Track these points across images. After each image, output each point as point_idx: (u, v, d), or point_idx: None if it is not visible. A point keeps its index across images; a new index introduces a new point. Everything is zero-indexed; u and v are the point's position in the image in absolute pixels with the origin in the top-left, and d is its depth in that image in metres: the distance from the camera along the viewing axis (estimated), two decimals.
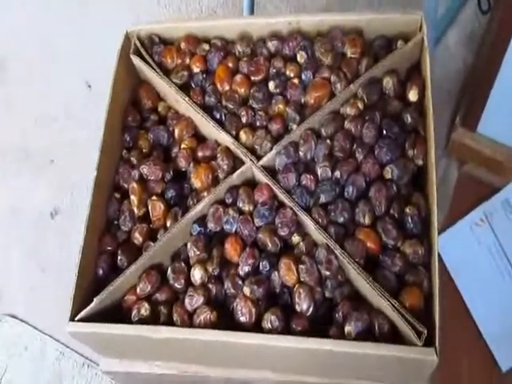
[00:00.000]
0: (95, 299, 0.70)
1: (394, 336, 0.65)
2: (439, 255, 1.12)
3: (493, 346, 1.08)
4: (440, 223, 1.15)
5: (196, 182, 0.78)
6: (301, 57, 0.83)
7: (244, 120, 0.82)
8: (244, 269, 0.71)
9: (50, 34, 1.50)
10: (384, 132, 0.75)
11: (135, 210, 0.79)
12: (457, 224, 1.15)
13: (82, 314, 0.70)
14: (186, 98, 0.82)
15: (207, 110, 0.82)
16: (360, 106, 0.77)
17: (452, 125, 1.17)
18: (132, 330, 0.68)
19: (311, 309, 0.67)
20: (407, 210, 0.70)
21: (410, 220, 0.70)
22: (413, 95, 0.78)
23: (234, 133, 0.80)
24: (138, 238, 0.77)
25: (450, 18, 1.32)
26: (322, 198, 0.72)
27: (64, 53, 1.46)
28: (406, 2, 1.31)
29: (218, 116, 0.83)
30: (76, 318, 0.70)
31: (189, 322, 0.70)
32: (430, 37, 0.85)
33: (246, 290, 0.69)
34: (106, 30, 1.42)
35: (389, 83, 0.79)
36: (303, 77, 0.82)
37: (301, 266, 0.69)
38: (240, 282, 0.70)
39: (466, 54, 1.28)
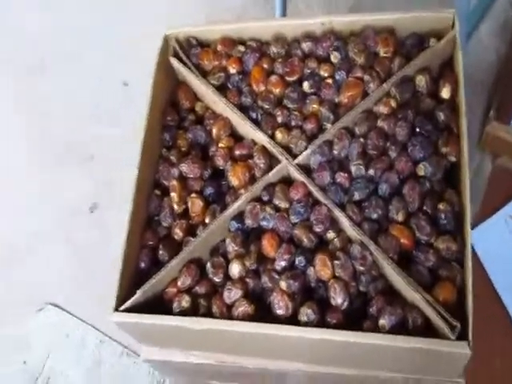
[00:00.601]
0: (138, 291, 0.74)
1: (427, 330, 0.67)
2: (473, 249, 1.13)
3: None
4: (474, 217, 1.16)
5: (233, 180, 0.81)
6: (334, 57, 0.85)
7: (279, 120, 0.84)
8: (280, 264, 0.73)
9: (88, 34, 1.54)
10: (417, 130, 0.77)
11: (175, 206, 0.82)
12: (491, 217, 1.15)
13: (127, 304, 0.73)
14: (223, 99, 0.85)
15: (243, 110, 0.85)
16: (393, 104, 0.79)
17: (485, 118, 1.16)
18: (173, 321, 0.71)
19: (346, 303, 0.70)
20: (440, 206, 0.71)
21: (443, 216, 0.71)
22: (445, 93, 0.79)
23: (269, 132, 0.83)
24: (178, 233, 0.80)
25: (482, 10, 1.30)
26: (356, 196, 0.74)
27: (101, 51, 1.51)
28: None
29: (254, 116, 0.85)
30: (120, 309, 0.73)
31: (227, 314, 0.73)
32: (462, 31, 0.85)
33: (283, 284, 0.71)
34: (143, 30, 1.46)
35: (421, 81, 0.80)
36: (337, 77, 0.84)
37: (336, 262, 0.71)
38: (276, 277, 0.73)
39: (499, 44, 1.27)
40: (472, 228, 1.14)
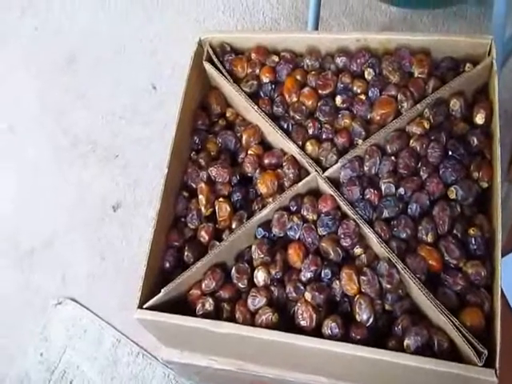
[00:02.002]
0: (163, 290, 0.74)
1: (452, 354, 0.67)
2: None
3: None
4: (501, 247, 1.15)
5: (262, 188, 0.82)
6: (368, 74, 0.86)
7: (310, 131, 0.85)
8: (306, 275, 0.74)
9: (120, 36, 1.55)
10: (449, 153, 0.77)
11: (203, 209, 0.82)
12: None
13: (150, 302, 0.74)
14: (255, 107, 0.86)
15: (275, 119, 0.86)
16: (426, 125, 0.79)
17: None
18: (196, 323, 0.72)
19: (371, 319, 0.70)
20: (471, 231, 0.72)
21: (473, 241, 0.72)
22: (480, 118, 0.80)
23: (300, 143, 0.83)
24: (204, 236, 0.81)
25: None
26: (385, 213, 0.75)
27: (132, 54, 1.52)
28: (471, 21, 1.31)
29: (285, 126, 0.86)
30: (144, 306, 0.73)
31: (251, 320, 0.73)
32: (498, 59, 0.86)
33: (308, 296, 0.71)
34: (172, 35, 1.48)
35: (456, 105, 0.81)
36: (370, 93, 0.84)
37: (362, 278, 0.71)
38: (302, 287, 0.73)
39: None
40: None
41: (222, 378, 0.85)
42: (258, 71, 0.91)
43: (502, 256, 1.12)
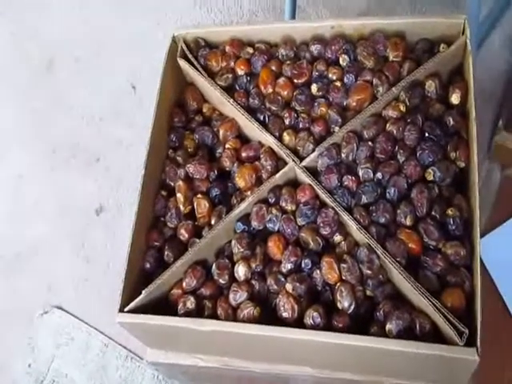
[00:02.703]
0: (143, 292, 0.73)
1: (434, 336, 0.66)
2: (480, 259, 1.12)
3: None
4: (482, 226, 1.15)
5: (240, 182, 0.81)
6: (343, 60, 0.85)
7: (287, 122, 0.84)
8: (286, 266, 0.73)
9: (95, 37, 1.54)
10: (426, 134, 0.76)
11: (181, 207, 0.81)
12: (499, 227, 1.14)
13: (131, 305, 0.73)
14: (231, 100, 0.85)
15: (251, 111, 0.85)
16: (402, 108, 0.78)
17: (494, 127, 1.16)
18: (178, 322, 0.71)
19: (352, 307, 0.69)
20: (449, 211, 0.71)
21: (451, 222, 0.71)
22: (455, 98, 0.79)
23: (277, 134, 0.82)
24: (183, 234, 0.80)
25: (493, 20, 1.31)
26: (364, 199, 0.74)
27: (110, 55, 1.51)
28: (448, 2, 1.31)
29: (261, 118, 0.85)
30: (125, 309, 0.73)
31: (233, 316, 0.72)
32: (473, 38, 0.85)
33: (289, 287, 0.71)
34: (149, 34, 1.47)
35: (431, 86, 0.80)
36: (345, 80, 0.83)
37: (342, 265, 0.70)
38: (282, 279, 0.72)
39: (509, 55, 1.27)
40: (480, 238, 1.14)
41: (209, 375, 0.85)
42: (232, 64, 0.90)
43: (485, 234, 1.14)
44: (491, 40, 1.26)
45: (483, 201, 1.13)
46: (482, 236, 1.13)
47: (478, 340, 0.62)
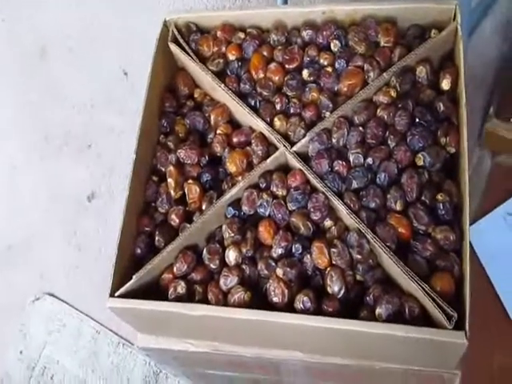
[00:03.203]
0: (134, 276, 0.73)
1: (424, 320, 0.66)
2: (471, 245, 1.13)
3: None
4: (473, 213, 1.16)
5: (231, 167, 0.81)
6: (334, 45, 0.84)
7: (278, 107, 0.84)
8: (277, 251, 0.73)
9: (87, 25, 1.53)
10: (416, 120, 0.76)
11: (172, 192, 0.81)
12: (490, 214, 1.15)
13: (122, 290, 0.73)
14: (222, 85, 0.84)
15: (242, 97, 0.84)
16: (393, 94, 0.78)
17: (485, 114, 1.16)
18: (169, 307, 0.71)
19: (342, 291, 0.69)
20: (439, 196, 0.71)
21: (441, 207, 0.71)
22: (446, 84, 0.79)
23: (268, 119, 0.82)
24: (174, 219, 0.80)
25: (485, 7, 1.31)
26: (354, 184, 0.74)
27: (101, 41, 1.50)
28: None
29: (252, 103, 0.84)
30: (116, 294, 0.73)
31: (223, 301, 0.72)
32: (464, 25, 0.85)
33: (279, 272, 0.71)
34: (141, 20, 1.46)
35: (422, 72, 0.80)
36: (337, 65, 0.83)
37: (333, 250, 0.71)
38: (273, 264, 0.73)
39: (501, 41, 1.27)
40: (470, 224, 1.15)
41: (200, 360, 0.85)
42: (224, 49, 0.89)
43: (476, 220, 1.15)
44: (483, 27, 1.26)
45: (474, 187, 1.15)
46: (472, 222, 1.15)
47: (467, 324, 0.62)
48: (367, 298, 0.69)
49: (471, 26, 1.23)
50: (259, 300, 0.72)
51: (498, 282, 1.11)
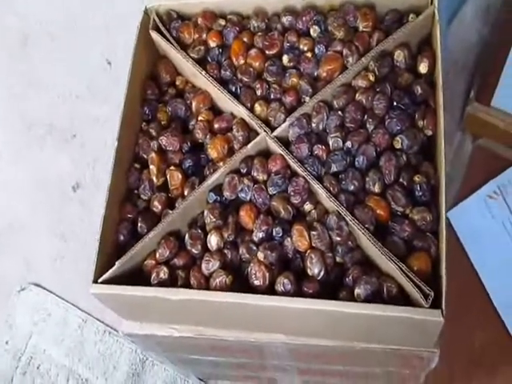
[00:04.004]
0: (117, 263, 0.74)
1: (402, 299, 0.67)
2: (452, 228, 1.15)
3: (505, 316, 1.10)
4: (454, 196, 1.17)
5: (212, 153, 0.81)
6: (314, 31, 0.85)
7: (259, 93, 0.84)
8: (258, 235, 0.74)
9: (70, 13, 1.52)
10: (394, 103, 0.77)
11: (154, 179, 0.82)
12: (470, 197, 1.16)
13: (105, 276, 0.73)
14: (203, 72, 0.85)
15: (223, 83, 0.85)
16: (371, 78, 0.79)
17: (467, 98, 1.17)
18: (151, 292, 0.72)
19: (322, 273, 0.70)
20: (416, 178, 0.72)
21: (418, 188, 0.72)
22: (423, 67, 0.80)
23: (248, 105, 0.83)
24: (157, 206, 0.80)
25: None
26: (334, 168, 0.75)
27: (84, 30, 1.49)
28: None
29: (233, 89, 0.85)
30: (99, 281, 0.73)
31: (205, 285, 0.73)
32: (444, 11, 0.85)
33: (260, 255, 0.72)
34: (124, 8, 1.45)
35: (400, 56, 0.80)
36: (316, 50, 0.84)
37: (312, 233, 0.71)
38: (254, 248, 0.73)
39: (482, 27, 1.28)
40: (452, 207, 1.17)
41: (184, 346, 0.86)
42: (204, 36, 0.89)
43: (457, 203, 1.16)
44: (463, 12, 1.27)
45: (455, 171, 1.16)
46: (453, 205, 1.17)
47: (443, 302, 0.63)
48: (347, 279, 0.70)
49: (452, 11, 1.24)
50: (241, 284, 0.72)
51: (478, 264, 1.13)
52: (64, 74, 1.45)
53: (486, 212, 1.15)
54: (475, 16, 1.29)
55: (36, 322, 1.22)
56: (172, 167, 0.82)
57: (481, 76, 1.18)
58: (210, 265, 0.73)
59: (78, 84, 1.42)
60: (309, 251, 0.71)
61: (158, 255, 0.76)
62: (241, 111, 0.82)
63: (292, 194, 0.74)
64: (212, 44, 0.89)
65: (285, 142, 0.78)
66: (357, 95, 0.79)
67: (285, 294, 0.69)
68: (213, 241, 0.75)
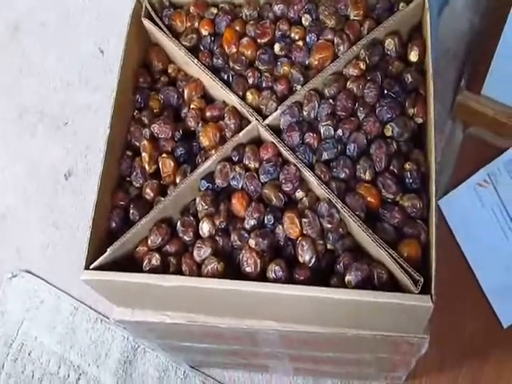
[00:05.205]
0: (109, 249, 0.74)
1: (392, 286, 0.68)
2: (443, 216, 1.15)
3: (495, 304, 1.11)
4: (445, 184, 1.18)
5: (204, 141, 0.81)
6: (305, 20, 0.85)
7: (250, 81, 0.84)
8: (250, 222, 0.74)
9: (62, 1, 1.51)
10: (385, 91, 0.78)
11: (146, 166, 0.82)
12: (461, 185, 1.17)
13: (97, 262, 0.73)
14: (195, 60, 0.85)
15: (215, 71, 0.85)
16: (362, 66, 0.79)
17: (458, 87, 1.18)
18: (143, 278, 0.72)
19: (313, 260, 0.71)
20: (406, 165, 0.73)
21: (409, 175, 0.73)
22: (413, 56, 0.80)
23: (240, 93, 0.83)
24: (149, 193, 0.80)
25: None
26: (325, 155, 0.75)
27: (76, 18, 1.48)
28: None
29: (225, 77, 0.85)
30: (90, 267, 0.73)
31: (197, 272, 0.73)
32: (435, 1, 0.86)
33: (252, 242, 0.72)
34: None
35: (390, 44, 0.81)
36: (307, 39, 0.84)
37: (304, 220, 0.72)
38: (246, 235, 0.74)
39: (472, 15, 1.29)
40: (443, 195, 1.17)
41: (176, 332, 0.86)
42: (197, 25, 0.89)
43: (448, 191, 1.17)
44: (454, 1, 1.27)
45: (446, 159, 1.17)
46: (444, 194, 1.17)
47: (433, 287, 0.64)
48: (337, 266, 0.70)
49: (443, 1, 1.24)
50: (233, 271, 0.73)
51: (468, 252, 1.14)
52: (56, 63, 1.44)
53: (476, 200, 1.16)
54: (466, 5, 1.30)
55: (28, 309, 1.22)
56: (164, 155, 0.82)
57: (471, 65, 1.18)
58: (202, 251, 0.74)
59: (69, 72, 1.42)
60: (300, 238, 0.72)
61: (149, 242, 0.76)
62: (232, 99, 0.82)
63: (283, 181, 0.75)
64: (204, 32, 0.89)
65: (276, 130, 0.78)
66: (348, 83, 0.79)
67: (276, 280, 0.70)
68: (205, 228, 0.75)
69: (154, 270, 0.74)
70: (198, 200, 0.77)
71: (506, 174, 1.15)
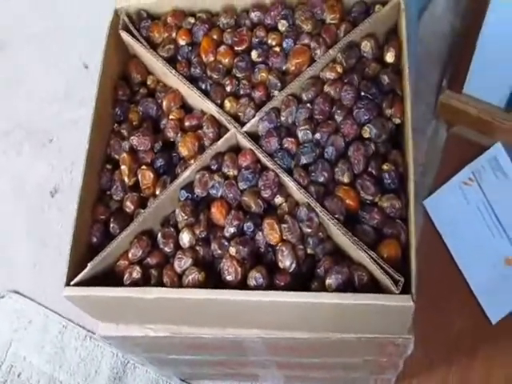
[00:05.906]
0: (89, 264, 0.73)
1: (373, 287, 0.67)
2: (428, 215, 1.15)
3: (482, 301, 1.10)
4: (430, 184, 1.18)
5: (183, 151, 0.81)
6: (282, 25, 0.85)
7: (228, 89, 0.84)
8: (230, 230, 0.73)
9: (47, 16, 1.51)
10: (362, 93, 0.77)
11: (126, 179, 0.81)
12: (446, 184, 1.17)
13: (77, 278, 0.73)
14: (173, 71, 0.85)
15: (193, 81, 0.85)
16: (339, 69, 0.79)
17: (440, 88, 1.18)
18: (124, 292, 0.71)
19: (294, 265, 0.70)
20: (384, 166, 0.73)
21: (387, 176, 0.72)
22: (390, 57, 0.80)
23: (218, 102, 0.82)
24: (129, 206, 0.80)
25: None
26: (303, 160, 0.75)
27: (61, 33, 1.48)
28: None
29: (203, 86, 0.85)
30: (71, 283, 0.72)
31: (178, 283, 0.73)
32: (415, 4, 0.86)
33: (232, 250, 0.71)
34: (100, 10, 1.44)
35: (366, 46, 0.81)
36: (284, 45, 0.84)
37: (283, 225, 0.71)
38: (226, 243, 0.73)
39: (453, 17, 1.30)
40: (427, 195, 1.17)
41: (161, 345, 0.85)
42: (174, 35, 0.89)
43: (432, 191, 1.17)
44: (435, 4, 1.28)
45: (431, 159, 1.17)
46: (429, 194, 1.17)
47: (413, 287, 0.63)
48: (318, 270, 0.70)
49: (423, 4, 1.25)
50: (214, 280, 0.72)
51: (455, 251, 1.14)
52: (41, 79, 1.44)
53: (461, 198, 1.16)
54: (447, 8, 1.30)
55: (16, 330, 1.21)
56: (143, 167, 0.81)
57: (453, 65, 1.18)
58: (183, 262, 0.73)
59: (54, 88, 1.42)
60: (280, 244, 0.71)
61: (130, 255, 0.75)
62: (210, 108, 0.81)
63: (262, 188, 0.74)
64: (181, 42, 0.89)
65: (255, 137, 0.78)
66: (325, 87, 0.79)
67: (257, 288, 0.69)
68: (185, 238, 0.75)
69: (135, 283, 0.73)
70: (177, 211, 0.76)
71: (490, 172, 1.14)
